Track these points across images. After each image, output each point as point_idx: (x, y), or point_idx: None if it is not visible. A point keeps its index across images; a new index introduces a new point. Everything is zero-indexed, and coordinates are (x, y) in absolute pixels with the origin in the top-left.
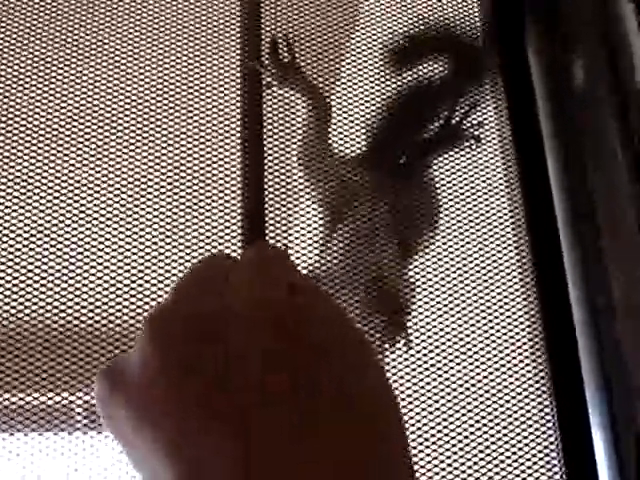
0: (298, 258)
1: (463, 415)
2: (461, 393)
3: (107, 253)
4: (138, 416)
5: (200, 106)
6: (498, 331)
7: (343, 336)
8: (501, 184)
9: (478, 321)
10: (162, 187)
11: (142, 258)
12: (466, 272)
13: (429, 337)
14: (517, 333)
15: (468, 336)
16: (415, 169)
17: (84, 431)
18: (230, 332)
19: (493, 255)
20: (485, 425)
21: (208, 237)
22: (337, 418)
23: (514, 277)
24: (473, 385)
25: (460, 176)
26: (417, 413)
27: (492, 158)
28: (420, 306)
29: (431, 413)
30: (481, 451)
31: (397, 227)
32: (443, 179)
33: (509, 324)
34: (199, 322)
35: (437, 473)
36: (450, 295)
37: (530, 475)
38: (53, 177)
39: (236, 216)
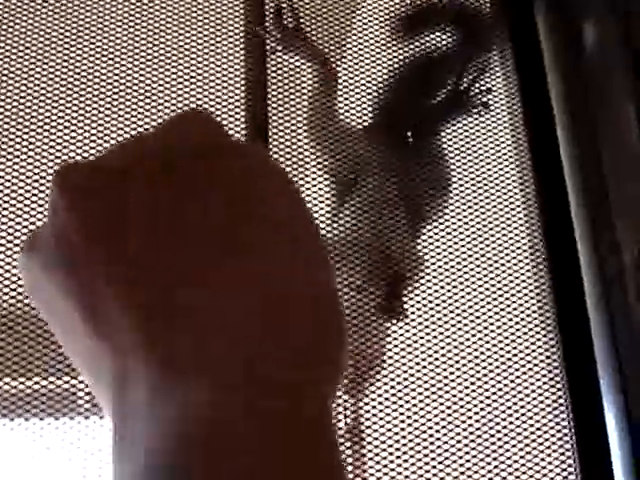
0: None
1: (473, 391)
2: (471, 368)
3: None
4: (51, 269)
5: (204, 73)
6: (508, 299)
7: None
8: (510, 151)
9: (488, 293)
10: None
11: None
12: (475, 242)
13: (437, 310)
14: (527, 302)
15: (477, 310)
16: (423, 139)
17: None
18: (128, 185)
19: (503, 224)
20: (495, 402)
21: None
22: (256, 237)
23: (524, 246)
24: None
25: (469, 144)
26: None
27: (501, 125)
28: (429, 278)
29: (441, 389)
30: (492, 427)
31: (406, 199)
32: (452, 148)
33: (519, 296)
34: (103, 175)
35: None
36: (460, 265)
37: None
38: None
39: None
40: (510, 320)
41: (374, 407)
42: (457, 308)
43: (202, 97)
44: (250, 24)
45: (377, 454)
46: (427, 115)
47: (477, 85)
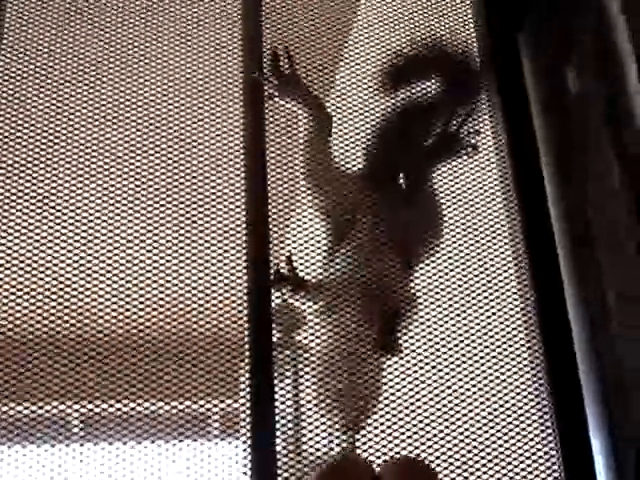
0: (302, 270)
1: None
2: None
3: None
4: None
5: (203, 119)
6: (497, 334)
7: None
8: (498, 191)
9: (477, 328)
10: (162, 196)
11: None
12: (465, 279)
13: (429, 344)
14: (515, 336)
15: (468, 344)
16: (415, 183)
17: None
18: None
19: (491, 262)
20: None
21: (213, 245)
22: None
23: (512, 287)
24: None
25: (458, 186)
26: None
27: (488, 167)
28: (422, 314)
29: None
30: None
31: (398, 240)
32: (443, 188)
33: (507, 331)
34: None
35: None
36: (450, 302)
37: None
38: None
39: (240, 225)
40: (499, 355)
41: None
42: (447, 340)
43: (202, 141)
44: (248, 70)
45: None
46: (418, 160)
47: (466, 128)
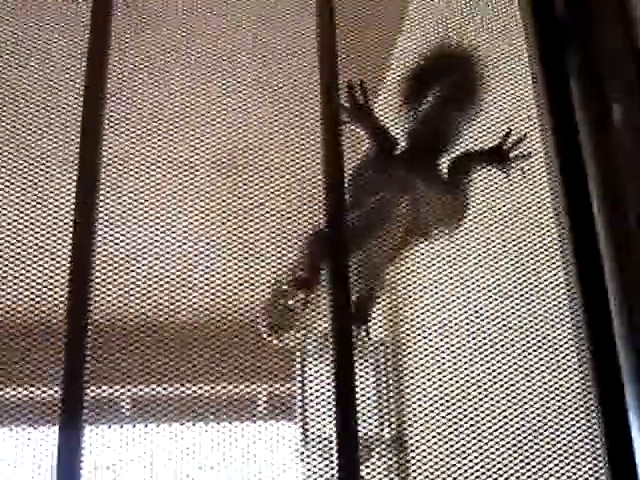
0: None
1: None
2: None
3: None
4: None
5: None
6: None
7: None
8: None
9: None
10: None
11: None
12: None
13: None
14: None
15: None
16: (455, 175)
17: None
18: None
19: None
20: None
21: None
22: None
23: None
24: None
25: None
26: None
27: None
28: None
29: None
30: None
31: (414, 218)
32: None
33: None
34: None
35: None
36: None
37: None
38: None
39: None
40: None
41: None
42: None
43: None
44: (327, 97)
45: None
46: (466, 155)
47: (519, 147)
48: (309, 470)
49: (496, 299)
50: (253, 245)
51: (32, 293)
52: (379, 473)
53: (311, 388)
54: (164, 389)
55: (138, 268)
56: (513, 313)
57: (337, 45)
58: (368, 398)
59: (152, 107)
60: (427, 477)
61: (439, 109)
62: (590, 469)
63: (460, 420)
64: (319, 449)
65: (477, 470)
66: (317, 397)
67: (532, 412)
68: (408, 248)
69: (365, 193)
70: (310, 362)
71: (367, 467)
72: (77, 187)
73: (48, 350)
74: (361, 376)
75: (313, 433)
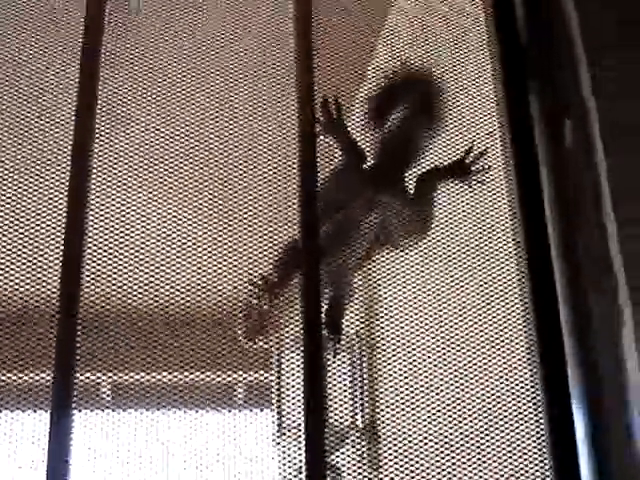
0: None
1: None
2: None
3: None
4: None
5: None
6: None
7: None
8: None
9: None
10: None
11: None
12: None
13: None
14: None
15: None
16: (421, 189)
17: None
18: None
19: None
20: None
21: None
22: None
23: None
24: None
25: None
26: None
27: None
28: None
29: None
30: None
31: (381, 229)
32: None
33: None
34: None
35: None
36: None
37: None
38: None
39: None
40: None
41: None
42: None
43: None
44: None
45: None
46: (430, 171)
47: (480, 161)
48: (280, 455)
49: (455, 300)
50: (232, 238)
51: (23, 281)
52: (353, 459)
53: (287, 377)
54: (144, 377)
55: (120, 259)
56: (470, 313)
57: (314, 60)
58: (342, 389)
59: (142, 103)
60: (397, 462)
61: (404, 126)
62: (533, 454)
63: (425, 409)
64: (291, 436)
65: (441, 453)
66: (292, 387)
67: (486, 401)
68: (375, 257)
69: (334, 205)
70: (286, 353)
71: (342, 454)
72: (70, 179)
73: (39, 336)
74: (334, 368)
75: (288, 419)
